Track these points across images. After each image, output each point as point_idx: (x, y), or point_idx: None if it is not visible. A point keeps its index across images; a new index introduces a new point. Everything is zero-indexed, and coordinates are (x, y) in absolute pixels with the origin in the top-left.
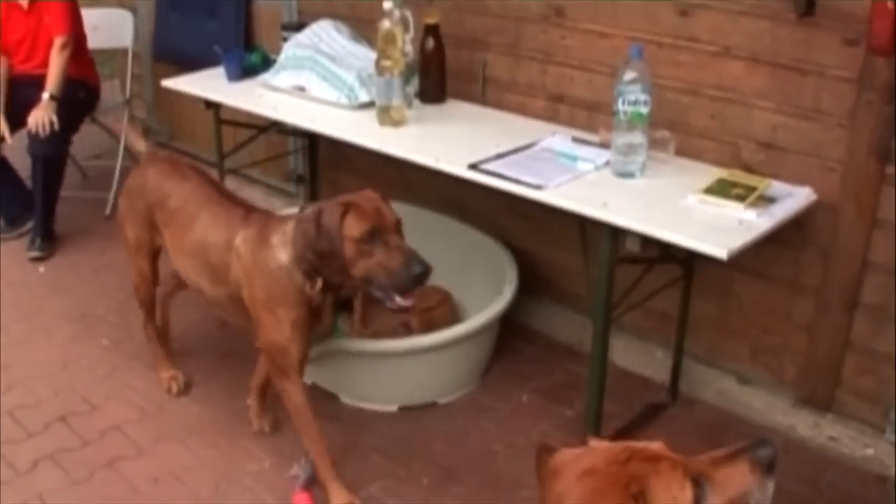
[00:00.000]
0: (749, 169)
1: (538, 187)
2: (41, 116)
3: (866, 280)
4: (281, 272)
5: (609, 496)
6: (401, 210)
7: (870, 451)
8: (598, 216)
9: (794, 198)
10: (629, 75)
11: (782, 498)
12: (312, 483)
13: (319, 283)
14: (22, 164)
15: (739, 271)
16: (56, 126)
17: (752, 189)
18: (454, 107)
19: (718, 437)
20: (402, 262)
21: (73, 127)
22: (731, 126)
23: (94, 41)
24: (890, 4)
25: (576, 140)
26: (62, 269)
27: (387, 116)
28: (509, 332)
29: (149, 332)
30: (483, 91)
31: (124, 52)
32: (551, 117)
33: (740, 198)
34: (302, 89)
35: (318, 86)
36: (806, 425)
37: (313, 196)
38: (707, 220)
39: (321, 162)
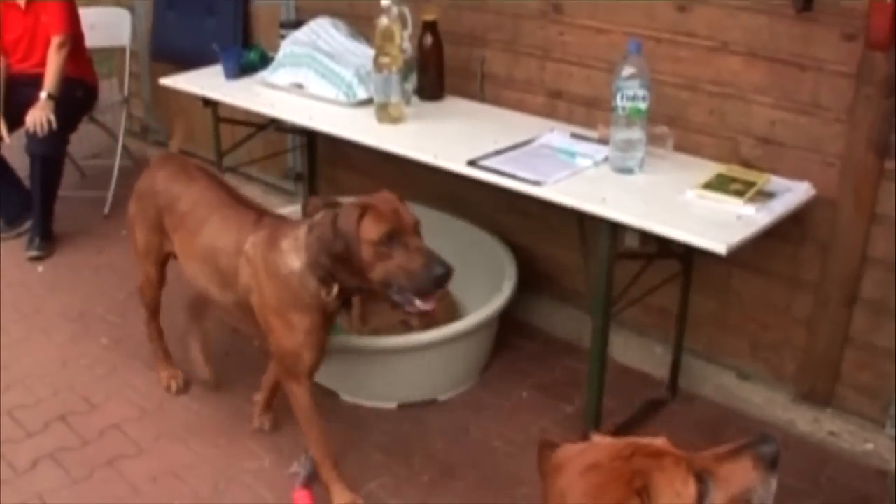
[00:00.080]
0: (748, 164)
1: (537, 183)
2: (39, 116)
3: (865, 275)
4: (293, 277)
5: (612, 492)
6: None
7: (869, 446)
8: (596, 212)
9: (792, 193)
10: (627, 71)
11: (782, 493)
12: (312, 481)
13: (336, 289)
14: (20, 163)
15: (738, 266)
16: (54, 125)
17: (750, 184)
18: (452, 103)
19: (718, 433)
20: (422, 264)
21: (71, 126)
22: (729, 121)
23: (91, 40)
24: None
25: (574, 136)
26: (61, 269)
27: (385, 113)
28: (509, 329)
29: (150, 332)
30: (481, 87)
31: (122, 50)
32: (550, 113)
33: (739, 193)
34: (300, 87)
35: (316, 83)
36: (805, 420)
37: (312, 194)
38: (706, 216)
39: (319, 159)
